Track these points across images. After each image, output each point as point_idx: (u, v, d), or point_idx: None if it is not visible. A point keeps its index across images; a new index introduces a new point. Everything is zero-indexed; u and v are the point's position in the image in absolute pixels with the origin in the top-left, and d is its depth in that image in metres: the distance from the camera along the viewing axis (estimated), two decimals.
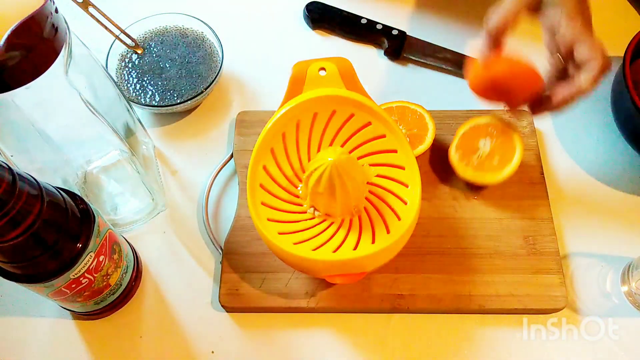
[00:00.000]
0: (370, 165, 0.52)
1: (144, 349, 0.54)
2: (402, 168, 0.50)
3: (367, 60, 0.71)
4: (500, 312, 0.54)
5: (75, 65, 0.43)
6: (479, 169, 0.57)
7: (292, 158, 0.52)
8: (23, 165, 0.46)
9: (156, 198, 0.59)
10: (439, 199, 0.59)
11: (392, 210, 0.49)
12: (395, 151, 0.50)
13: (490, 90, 0.51)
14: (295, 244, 0.48)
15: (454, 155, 0.58)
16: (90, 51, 0.48)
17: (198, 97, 0.64)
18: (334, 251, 0.47)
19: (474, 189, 0.60)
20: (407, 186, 0.49)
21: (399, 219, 0.48)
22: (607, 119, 0.65)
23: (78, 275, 0.46)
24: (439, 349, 0.53)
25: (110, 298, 0.53)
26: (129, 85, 0.65)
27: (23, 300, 0.56)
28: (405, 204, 0.49)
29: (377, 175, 0.51)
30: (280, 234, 0.48)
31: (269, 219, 0.49)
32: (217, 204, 0.62)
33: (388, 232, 0.48)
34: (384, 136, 0.50)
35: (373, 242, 0.48)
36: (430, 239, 0.57)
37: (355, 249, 0.48)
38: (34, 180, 0.40)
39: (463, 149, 0.58)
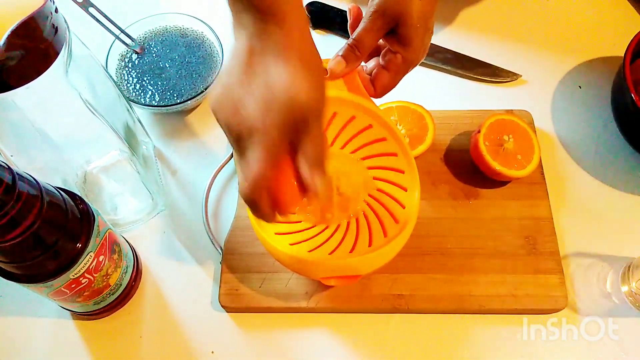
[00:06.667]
0: (370, 168, 0.52)
1: (144, 349, 0.54)
2: (402, 172, 0.50)
3: None
4: (500, 312, 0.54)
5: (75, 65, 0.43)
6: (504, 163, 0.57)
7: None
8: (23, 165, 0.46)
9: (156, 198, 0.59)
10: (438, 199, 0.59)
11: (390, 213, 0.49)
12: (395, 154, 0.50)
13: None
14: (291, 244, 0.48)
15: (483, 145, 0.58)
16: (90, 51, 0.48)
17: (198, 97, 0.64)
18: (330, 253, 0.47)
19: (474, 188, 0.60)
20: (405, 190, 0.49)
21: (397, 222, 0.48)
22: (607, 119, 0.65)
23: (78, 275, 0.46)
24: (439, 349, 0.53)
25: (110, 298, 0.53)
26: (128, 85, 0.65)
27: (23, 300, 0.56)
28: (404, 207, 0.48)
29: (376, 178, 0.51)
30: (277, 234, 0.48)
31: None
32: (217, 204, 0.62)
33: (385, 235, 0.48)
34: (384, 139, 0.50)
35: (370, 245, 0.48)
36: (430, 239, 0.57)
37: (351, 251, 0.47)
38: (34, 180, 0.40)
39: (489, 141, 0.58)
